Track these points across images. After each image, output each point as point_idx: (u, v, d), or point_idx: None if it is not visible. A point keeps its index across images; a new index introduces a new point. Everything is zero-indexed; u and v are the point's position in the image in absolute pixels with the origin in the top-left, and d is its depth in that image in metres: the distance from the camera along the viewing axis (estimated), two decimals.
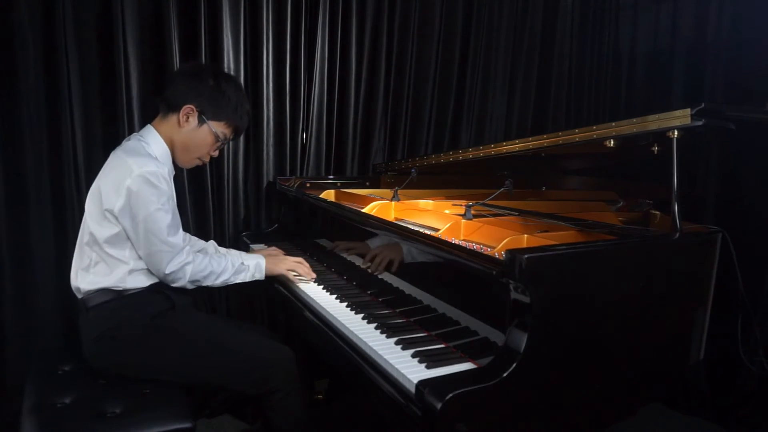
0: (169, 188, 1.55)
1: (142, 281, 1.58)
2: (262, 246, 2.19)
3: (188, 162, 1.71)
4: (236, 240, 2.33)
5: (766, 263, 2.17)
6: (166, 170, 1.56)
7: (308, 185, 2.34)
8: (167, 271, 1.54)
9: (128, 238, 1.53)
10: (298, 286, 1.75)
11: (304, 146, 2.47)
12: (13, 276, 1.96)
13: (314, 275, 1.81)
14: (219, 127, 1.66)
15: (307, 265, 1.82)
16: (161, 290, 1.61)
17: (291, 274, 1.78)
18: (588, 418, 1.31)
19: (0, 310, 1.95)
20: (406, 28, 2.61)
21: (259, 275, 1.74)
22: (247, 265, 1.72)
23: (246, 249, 2.24)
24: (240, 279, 1.71)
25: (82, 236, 1.59)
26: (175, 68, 2.08)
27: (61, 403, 1.44)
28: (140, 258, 1.56)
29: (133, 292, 1.57)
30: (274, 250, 2.02)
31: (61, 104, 1.94)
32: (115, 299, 1.55)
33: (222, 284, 1.68)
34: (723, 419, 2.37)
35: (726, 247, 1.59)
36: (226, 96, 1.64)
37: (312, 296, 1.65)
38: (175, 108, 1.61)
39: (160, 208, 1.50)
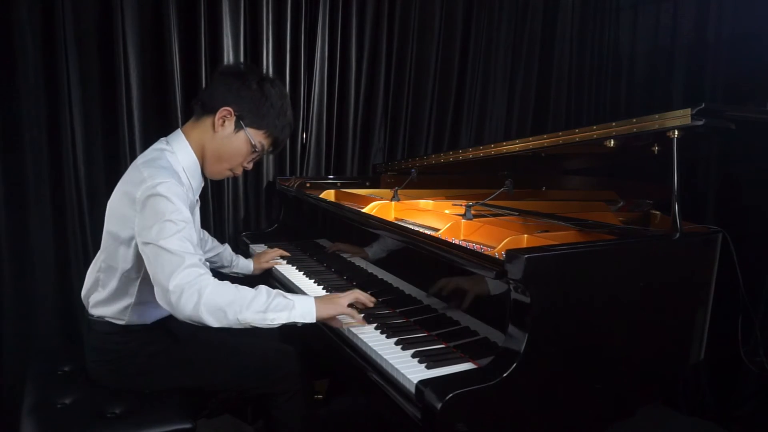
0: (184, 203, 1.34)
1: (145, 318, 1.49)
2: (262, 246, 2.19)
3: (219, 173, 1.53)
4: (236, 240, 2.33)
5: (766, 263, 2.17)
6: (184, 187, 1.38)
7: (308, 185, 2.34)
8: (172, 288, 1.23)
9: (141, 264, 1.37)
10: (298, 287, 1.75)
11: (304, 146, 2.47)
12: (12, 276, 1.96)
13: (373, 300, 1.47)
14: (257, 136, 1.48)
15: (365, 295, 1.46)
16: (164, 326, 1.53)
17: (354, 311, 1.41)
18: (588, 418, 1.31)
19: (0, 311, 1.95)
20: (406, 28, 2.62)
21: (310, 318, 1.34)
22: (292, 300, 1.33)
23: (246, 249, 2.24)
24: (283, 318, 1.31)
25: (100, 251, 1.49)
26: (175, 68, 2.08)
27: (61, 404, 1.44)
28: (149, 291, 1.36)
29: (135, 328, 1.48)
30: (275, 251, 2.01)
31: (61, 104, 1.94)
32: (117, 333, 1.47)
33: (257, 319, 1.28)
34: (723, 419, 2.37)
35: (726, 247, 1.58)
36: (269, 102, 1.47)
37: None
38: (211, 110, 1.45)
39: (170, 219, 1.29)
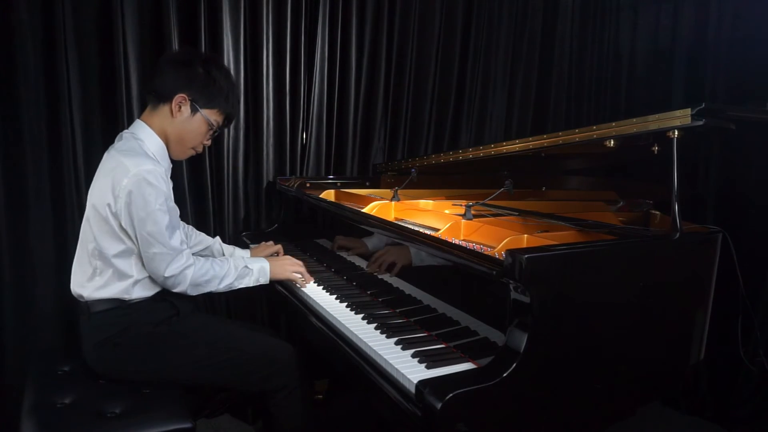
0: (167, 187, 1.52)
1: (147, 291, 1.56)
2: None
3: (183, 153, 1.67)
4: (236, 240, 2.33)
5: (766, 263, 2.17)
6: (163, 168, 1.53)
7: (308, 185, 2.34)
8: (166, 275, 1.50)
9: (133, 244, 1.50)
10: (298, 287, 1.75)
11: (304, 146, 2.47)
12: (12, 276, 1.96)
13: (311, 280, 1.78)
14: (212, 115, 1.61)
15: (304, 267, 1.78)
16: (165, 298, 1.60)
17: (297, 277, 1.75)
18: (588, 418, 1.31)
19: (0, 311, 1.95)
20: (406, 28, 2.61)
21: (264, 279, 1.70)
22: (251, 269, 1.68)
23: (246, 249, 2.24)
24: (244, 283, 1.67)
25: (85, 244, 1.54)
26: None
27: (61, 403, 1.44)
28: (144, 267, 1.53)
29: (137, 301, 1.55)
30: (270, 245, 2.02)
31: (61, 104, 1.94)
32: (119, 307, 1.53)
33: (226, 289, 1.64)
34: (723, 419, 2.37)
35: (726, 247, 1.58)
36: (218, 84, 1.60)
37: (312, 297, 1.65)
38: (166, 98, 1.56)
39: (158, 208, 1.46)
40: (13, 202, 1.93)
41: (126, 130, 1.62)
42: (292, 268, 1.75)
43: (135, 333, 1.53)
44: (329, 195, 2.19)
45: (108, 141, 2.04)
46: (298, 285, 1.75)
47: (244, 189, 2.37)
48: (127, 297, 1.53)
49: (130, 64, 2.03)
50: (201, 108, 1.59)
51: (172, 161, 1.68)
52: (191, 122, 1.60)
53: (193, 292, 1.58)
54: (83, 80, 1.99)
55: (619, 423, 1.36)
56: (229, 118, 1.69)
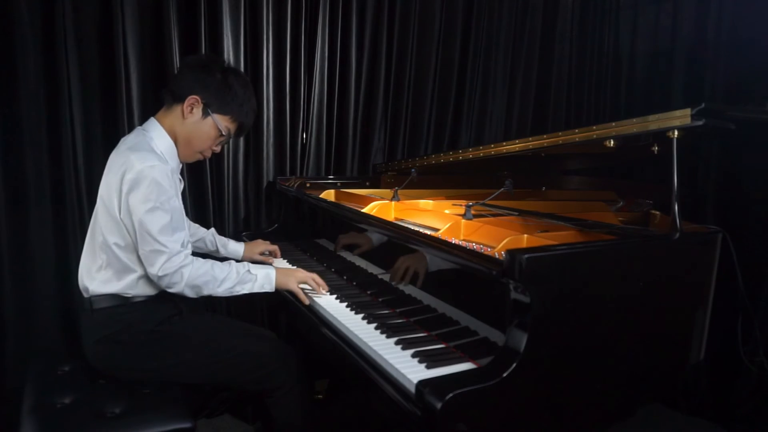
0: (171, 186, 1.50)
1: (151, 289, 1.57)
2: None
3: (190, 156, 1.66)
4: (236, 240, 2.32)
5: (766, 263, 2.17)
6: (170, 168, 1.52)
7: (308, 185, 2.34)
8: (160, 273, 1.47)
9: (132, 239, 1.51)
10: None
11: (304, 146, 2.47)
12: (13, 276, 1.96)
13: (327, 289, 1.67)
14: (223, 121, 1.61)
15: (320, 279, 1.67)
16: (168, 297, 1.59)
17: (302, 292, 1.64)
18: (588, 418, 1.31)
19: (0, 311, 1.95)
20: (406, 28, 2.61)
21: (269, 287, 1.62)
22: (255, 275, 1.61)
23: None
24: (246, 289, 1.60)
25: (94, 235, 1.56)
26: (175, 68, 2.08)
27: (61, 403, 1.44)
28: None
29: (140, 299, 1.56)
30: (265, 243, 2.01)
31: (61, 104, 1.94)
32: (122, 305, 1.54)
33: (226, 293, 1.57)
34: (723, 419, 2.37)
35: (726, 247, 1.58)
36: (233, 90, 1.59)
37: (312, 297, 1.65)
38: (179, 99, 1.57)
39: (158, 206, 1.45)
40: (13, 202, 1.93)
41: (138, 127, 1.64)
42: (298, 279, 1.65)
43: (136, 331, 1.53)
44: (329, 195, 2.19)
45: (108, 141, 2.05)
46: (309, 295, 1.65)
47: (244, 189, 2.37)
48: (131, 293, 1.54)
49: (130, 64, 2.03)
50: (213, 112, 1.59)
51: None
52: (201, 125, 1.59)
53: (191, 294, 1.55)
54: (83, 80, 1.99)
55: (619, 423, 1.36)
56: (241, 128, 1.67)
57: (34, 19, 1.89)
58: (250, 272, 1.61)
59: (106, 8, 1.97)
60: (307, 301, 1.62)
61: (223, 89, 1.58)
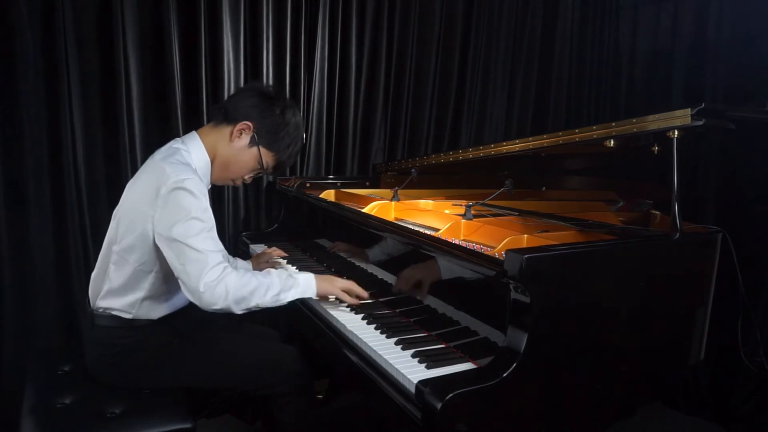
0: (207, 199, 1.43)
1: (152, 312, 1.50)
2: (262, 246, 2.19)
3: (221, 179, 1.61)
4: (236, 240, 2.33)
5: (766, 263, 2.17)
6: (204, 185, 1.45)
7: (308, 185, 2.34)
8: (202, 288, 1.33)
9: (157, 257, 1.43)
10: None
11: (304, 146, 2.47)
12: (12, 276, 1.96)
13: (366, 295, 1.57)
14: (266, 156, 1.56)
15: (359, 289, 1.56)
16: (168, 322, 1.54)
17: (345, 296, 1.54)
18: (588, 418, 1.31)
19: (0, 311, 1.95)
20: (406, 28, 2.62)
21: (311, 293, 1.52)
22: (296, 278, 1.51)
23: (246, 249, 2.24)
24: (291, 296, 1.48)
25: (110, 245, 1.48)
26: (175, 68, 2.08)
27: (61, 404, 1.44)
28: (161, 284, 1.47)
29: (142, 323, 1.49)
30: (274, 251, 2.01)
31: (61, 104, 1.94)
32: (122, 327, 1.48)
33: (272, 302, 1.45)
34: (723, 419, 2.37)
35: (726, 247, 1.58)
36: (287, 129, 1.56)
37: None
38: (232, 120, 1.52)
39: (195, 217, 1.36)
40: (13, 201, 1.93)
41: (177, 138, 1.58)
42: (341, 285, 1.56)
43: (136, 354, 1.49)
44: (329, 195, 2.19)
45: (108, 141, 2.05)
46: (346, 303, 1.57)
47: (244, 189, 2.37)
48: (132, 313, 1.47)
49: (130, 64, 2.03)
50: (260, 144, 1.54)
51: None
52: (244, 153, 1.55)
53: (237, 309, 1.40)
54: (83, 80, 1.99)
55: (619, 423, 1.36)
56: (279, 167, 1.64)
57: (34, 19, 1.88)
58: (291, 277, 1.51)
59: (106, 8, 1.97)
60: (356, 302, 1.54)
61: (278, 125, 1.54)
